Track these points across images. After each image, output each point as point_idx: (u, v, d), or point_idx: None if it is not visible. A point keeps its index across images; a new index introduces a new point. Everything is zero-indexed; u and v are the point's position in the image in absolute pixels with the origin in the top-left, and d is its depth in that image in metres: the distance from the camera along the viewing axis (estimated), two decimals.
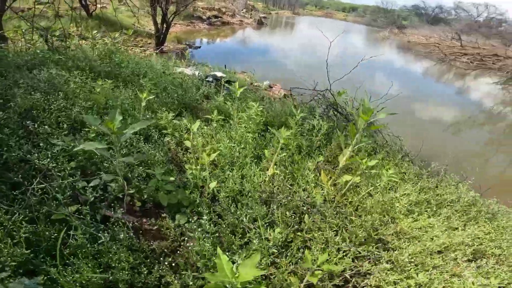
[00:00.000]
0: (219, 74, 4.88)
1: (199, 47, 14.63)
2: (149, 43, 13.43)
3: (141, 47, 12.74)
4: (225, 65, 8.83)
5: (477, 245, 2.00)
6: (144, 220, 1.85)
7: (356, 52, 20.12)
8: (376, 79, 13.88)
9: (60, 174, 1.73)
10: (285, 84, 8.98)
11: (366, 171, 2.23)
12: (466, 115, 10.79)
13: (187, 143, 2.15)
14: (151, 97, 3.04)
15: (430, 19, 48.15)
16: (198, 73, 5.42)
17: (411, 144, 3.93)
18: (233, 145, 2.32)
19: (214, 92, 4.08)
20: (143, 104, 2.51)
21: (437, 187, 2.68)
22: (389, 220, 2.06)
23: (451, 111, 11.11)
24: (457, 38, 26.96)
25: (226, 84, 4.87)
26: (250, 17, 26.56)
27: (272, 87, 6.54)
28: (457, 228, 2.15)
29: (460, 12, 44.27)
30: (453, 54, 22.17)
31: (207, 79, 4.61)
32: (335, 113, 3.76)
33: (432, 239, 1.95)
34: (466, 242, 2.00)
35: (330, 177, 2.22)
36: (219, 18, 22.87)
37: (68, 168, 1.76)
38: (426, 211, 2.28)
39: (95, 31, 4.75)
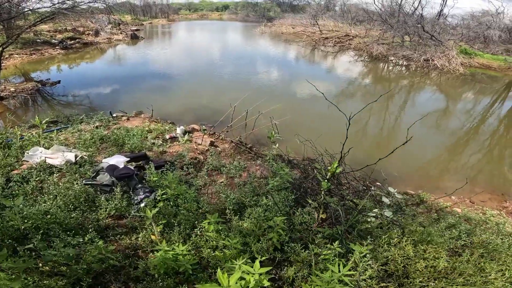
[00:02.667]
0: (118, 160, 3.14)
1: (59, 82, 11.17)
2: None
3: None
4: (110, 112, 6.69)
5: None
6: None
7: (248, 51, 20.36)
8: (270, 70, 14.24)
9: None
10: (198, 118, 7.67)
11: None
12: (342, 88, 12.53)
13: None
14: None
15: (288, 7, 54.75)
16: (77, 159, 3.54)
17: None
18: None
19: (126, 205, 2.51)
20: None
21: None
22: None
23: (331, 87, 12.66)
24: (314, 23, 31.63)
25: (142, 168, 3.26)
26: (121, 33, 22.83)
27: (190, 133, 5.16)
28: None
29: None
30: (319, 40, 25.80)
31: (100, 183, 2.81)
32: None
33: None
34: None
35: None
36: (78, 40, 18.53)
37: None
38: None
39: None
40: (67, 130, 4.93)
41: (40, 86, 10.69)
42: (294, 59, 19.40)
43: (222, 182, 3.33)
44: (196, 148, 4.39)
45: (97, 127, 5.10)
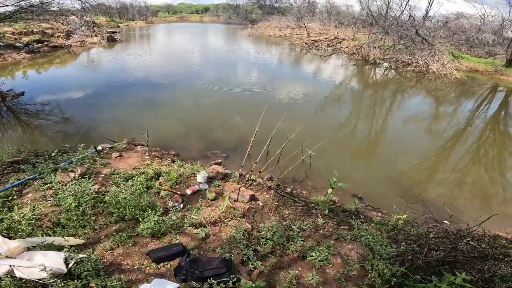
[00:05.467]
0: None
1: (22, 93, 9.48)
2: None
3: None
4: (95, 147, 4.99)
5: None
6: None
7: (242, 56, 18.98)
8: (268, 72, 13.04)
9: None
10: (206, 145, 6.20)
11: None
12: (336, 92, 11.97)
13: None
14: None
15: (270, 9, 53.91)
16: (71, 265, 2.15)
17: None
18: None
19: None
20: None
21: None
22: None
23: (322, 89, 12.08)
24: (301, 26, 30.96)
25: None
26: (95, 35, 20.56)
27: (214, 179, 3.77)
28: None
29: None
30: (311, 43, 25.10)
31: None
32: None
33: None
34: None
35: None
36: (46, 43, 16.26)
37: None
38: None
39: None
40: (34, 184, 3.37)
41: None
42: (295, 65, 18.29)
43: (312, 279, 2.11)
44: (234, 208, 3.09)
45: (80, 177, 3.58)
